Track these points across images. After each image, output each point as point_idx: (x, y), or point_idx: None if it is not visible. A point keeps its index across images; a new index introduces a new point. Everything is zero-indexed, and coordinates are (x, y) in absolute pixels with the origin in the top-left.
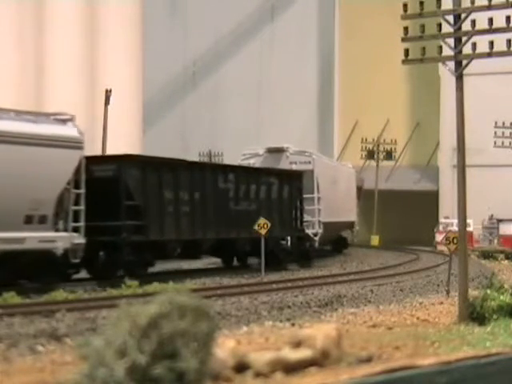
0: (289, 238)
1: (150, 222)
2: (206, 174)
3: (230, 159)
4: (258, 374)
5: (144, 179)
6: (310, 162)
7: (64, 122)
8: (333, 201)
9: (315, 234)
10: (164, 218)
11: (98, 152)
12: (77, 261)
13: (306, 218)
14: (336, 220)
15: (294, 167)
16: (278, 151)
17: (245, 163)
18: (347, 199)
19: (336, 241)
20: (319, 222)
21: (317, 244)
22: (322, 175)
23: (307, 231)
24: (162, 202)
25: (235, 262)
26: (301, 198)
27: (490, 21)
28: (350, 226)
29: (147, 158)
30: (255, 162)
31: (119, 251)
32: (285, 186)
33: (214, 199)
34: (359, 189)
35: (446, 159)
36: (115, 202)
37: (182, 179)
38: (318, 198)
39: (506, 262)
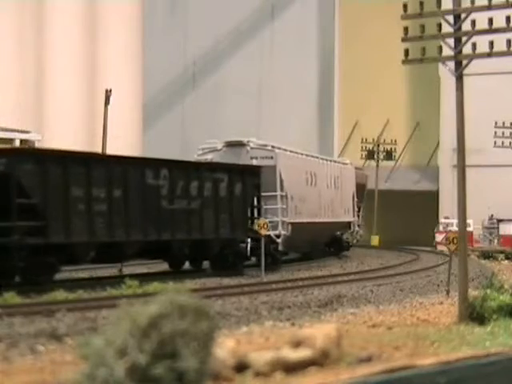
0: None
1: (50, 223)
2: (128, 169)
3: None
4: (257, 374)
5: (43, 174)
6: (271, 157)
7: None
8: (311, 199)
9: (278, 236)
10: (71, 217)
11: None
12: None
13: (271, 218)
14: (318, 220)
15: (255, 163)
16: (238, 145)
17: (201, 159)
18: (339, 198)
19: (330, 243)
20: (283, 222)
21: (280, 247)
22: (287, 171)
23: (269, 233)
24: (67, 200)
25: (187, 266)
26: (258, 196)
27: (490, 21)
28: (344, 227)
29: (47, 151)
30: (213, 158)
31: (11, 256)
32: (237, 183)
33: (141, 197)
34: (361, 187)
35: (446, 159)
36: (5, 200)
37: (97, 175)
38: (282, 196)
39: (506, 261)
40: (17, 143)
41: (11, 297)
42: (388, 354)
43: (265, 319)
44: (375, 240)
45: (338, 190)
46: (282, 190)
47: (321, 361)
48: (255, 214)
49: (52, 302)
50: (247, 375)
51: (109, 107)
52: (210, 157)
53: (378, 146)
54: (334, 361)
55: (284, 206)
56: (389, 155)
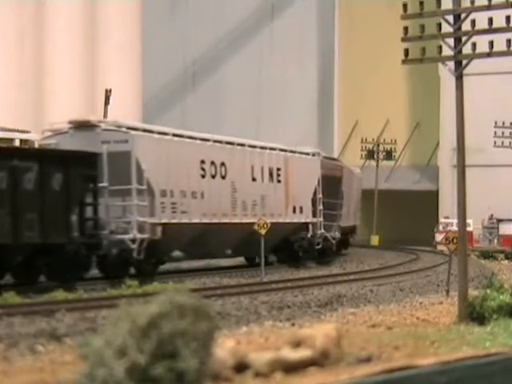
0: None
1: None
2: None
3: None
4: (257, 374)
5: None
6: (126, 141)
7: None
8: (212, 195)
9: (133, 240)
10: None
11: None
12: None
13: (126, 218)
14: (227, 221)
15: (106, 148)
16: (87, 127)
17: (45, 143)
18: (281, 194)
19: (279, 249)
20: (143, 223)
21: (136, 254)
22: (155, 159)
23: (123, 236)
24: None
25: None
26: (95, 191)
27: (490, 21)
28: (297, 228)
29: None
30: (59, 142)
31: None
32: (55, 174)
33: None
34: (334, 180)
35: (446, 159)
36: None
37: None
38: (141, 191)
39: (506, 262)
40: (17, 143)
41: (11, 297)
42: (388, 353)
43: (264, 319)
44: (375, 240)
45: (279, 185)
46: (140, 182)
47: (321, 361)
48: (91, 214)
49: (52, 302)
50: (247, 375)
51: (109, 107)
52: (53, 141)
53: (378, 145)
54: (333, 361)
55: (144, 203)
56: (389, 155)
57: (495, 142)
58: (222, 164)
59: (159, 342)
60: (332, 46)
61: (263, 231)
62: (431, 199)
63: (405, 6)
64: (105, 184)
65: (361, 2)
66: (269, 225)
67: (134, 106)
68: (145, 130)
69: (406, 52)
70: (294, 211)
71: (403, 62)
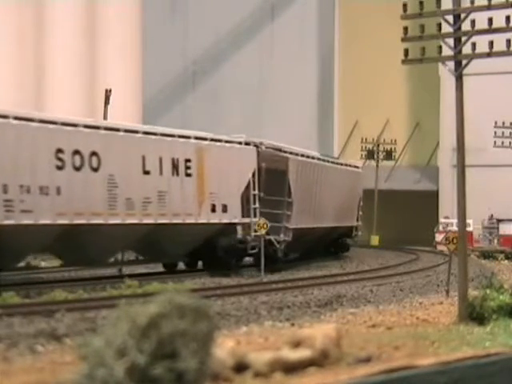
0: None
1: None
2: None
3: None
4: (257, 374)
5: None
6: None
7: None
8: (74, 191)
9: None
10: None
11: None
12: None
13: None
14: (89, 222)
15: None
16: None
17: None
18: (190, 191)
19: (202, 252)
20: None
21: None
22: None
23: None
24: None
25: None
26: None
27: (490, 21)
28: (225, 231)
29: None
30: None
31: None
32: None
33: None
34: (275, 174)
35: (446, 159)
36: None
37: None
38: None
39: (506, 261)
40: None
41: (11, 297)
42: (388, 354)
43: (264, 319)
44: (375, 240)
45: (188, 179)
46: None
47: (320, 361)
48: None
49: (51, 302)
50: (247, 375)
51: (109, 107)
52: None
53: (378, 145)
54: (333, 361)
55: None
56: (389, 155)
57: (495, 142)
58: (94, 154)
59: (159, 342)
60: (332, 46)
61: (263, 231)
62: (431, 199)
63: (405, 5)
64: None
65: (361, 2)
66: (268, 225)
67: (134, 105)
68: None
69: (406, 52)
70: (214, 210)
71: (403, 62)
